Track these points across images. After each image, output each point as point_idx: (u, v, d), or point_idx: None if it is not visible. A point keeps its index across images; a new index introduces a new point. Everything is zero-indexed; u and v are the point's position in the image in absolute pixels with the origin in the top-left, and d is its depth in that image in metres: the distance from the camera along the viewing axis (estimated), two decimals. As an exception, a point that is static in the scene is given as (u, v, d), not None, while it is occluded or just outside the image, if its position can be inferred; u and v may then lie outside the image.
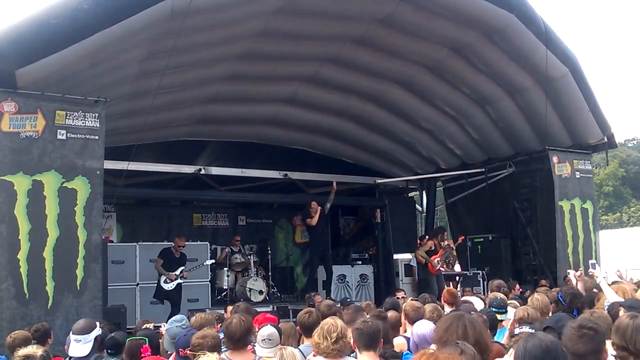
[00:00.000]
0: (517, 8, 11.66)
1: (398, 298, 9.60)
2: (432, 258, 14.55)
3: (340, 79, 13.57)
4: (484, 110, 14.19)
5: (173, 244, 13.29)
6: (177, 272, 12.84)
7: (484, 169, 15.75)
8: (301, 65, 13.17)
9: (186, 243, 13.58)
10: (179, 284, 12.90)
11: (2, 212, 8.62)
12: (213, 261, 14.13)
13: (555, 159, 13.96)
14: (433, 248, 14.90)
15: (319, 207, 14.48)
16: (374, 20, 11.73)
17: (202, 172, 14.43)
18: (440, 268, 14.52)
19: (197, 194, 15.68)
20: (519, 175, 15.25)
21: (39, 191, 8.88)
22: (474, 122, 14.61)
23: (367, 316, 5.35)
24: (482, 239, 15.53)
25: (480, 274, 14.83)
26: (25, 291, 8.58)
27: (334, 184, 14.96)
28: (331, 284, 14.71)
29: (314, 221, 14.45)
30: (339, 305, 8.70)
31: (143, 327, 7.16)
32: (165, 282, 12.82)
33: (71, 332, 5.31)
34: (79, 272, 9.00)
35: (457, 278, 15.52)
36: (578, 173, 14.31)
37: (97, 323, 5.58)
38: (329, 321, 5.02)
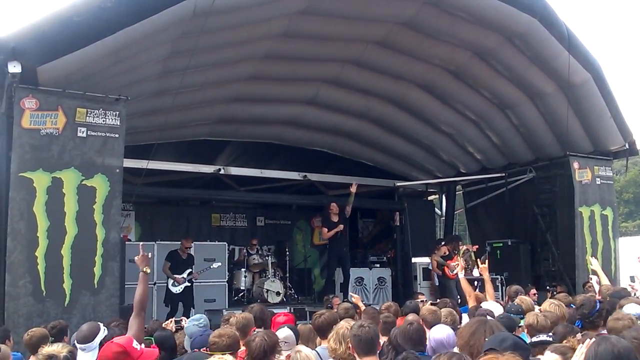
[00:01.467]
0: (540, 12, 11.58)
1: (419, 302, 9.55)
2: (448, 262, 14.48)
3: (361, 81, 13.54)
4: (505, 115, 14.10)
5: (180, 245, 13.26)
6: (185, 275, 12.87)
7: (504, 174, 15.64)
8: (323, 67, 13.15)
9: (204, 243, 13.59)
10: (187, 287, 12.93)
11: (21, 208, 8.64)
12: (220, 264, 13.89)
13: (576, 165, 13.86)
14: (447, 254, 14.84)
15: (338, 207, 14.42)
16: (397, 23, 11.70)
17: (222, 172, 14.43)
18: (459, 272, 14.43)
19: (216, 194, 15.68)
20: (539, 180, 15.14)
21: (58, 188, 8.90)
22: (495, 127, 14.52)
23: (364, 320, 5.22)
24: (501, 244, 15.43)
25: (499, 279, 14.73)
26: (43, 288, 8.59)
27: (354, 186, 14.80)
28: (348, 287, 14.67)
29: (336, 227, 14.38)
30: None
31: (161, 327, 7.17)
32: (173, 285, 12.85)
33: (75, 340, 5.25)
34: (97, 270, 9.00)
35: (476, 283, 15.42)
36: (599, 179, 14.20)
37: (100, 325, 5.50)
38: (344, 325, 4.97)
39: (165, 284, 12.96)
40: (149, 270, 5.57)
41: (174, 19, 9.29)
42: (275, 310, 8.95)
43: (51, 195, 8.82)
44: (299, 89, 13.88)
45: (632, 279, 8.62)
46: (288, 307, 13.09)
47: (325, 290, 14.63)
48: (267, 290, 14.07)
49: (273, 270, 14.86)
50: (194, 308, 12.79)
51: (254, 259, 15.06)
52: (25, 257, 8.56)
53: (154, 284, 13.21)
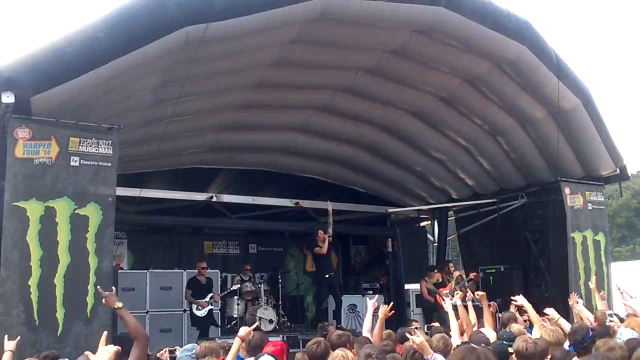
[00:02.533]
0: (529, 40, 11.69)
1: (412, 329, 9.51)
2: (440, 290, 14.48)
3: (353, 108, 13.62)
4: (495, 141, 14.18)
5: (197, 271, 13.73)
6: (207, 299, 13.31)
7: (496, 200, 15.70)
8: (314, 94, 13.22)
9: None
10: (210, 310, 13.44)
11: (14, 237, 8.61)
12: (239, 285, 14.43)
13: (567, 191, 13.91)
14: (440, 280, 14.84)
15: (325, 235, 14.51)
16: (387, 51, 11.80)
17: (214, 199, 14.47)
18: (457, 300, 14.41)
19: (209, 221, 15.68)
20: (531, 206, 15.17)
21: (51, 217, 8.88)
22: (486, 153, 14.60)
23: (373, 351, 5.22)
24: (494, 270, 15.41)
25: (492, 305, 14.70)
26: (36, 318, 8.55)
27: (330, 205, 14.96)
28: (341, 314, 14.65)
29: (324, 249, 14.49)
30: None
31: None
32: (197, 309, 13.31)
33: None
34: (90, 299, 8.97)
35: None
36: (590, 205, 14.23)
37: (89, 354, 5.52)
38: (339, 354, 4.95)
39: (190, 309, 13.54)
40: (120, 305, 5.54)
41: (165, 49, 9.34)
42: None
43: (44, 225, 8.80)
44: (291, 117, 13.94)
45: (610, 315, 8.61)
46: (281, 335, 13.06)
47: (317, 317, 14.61)
48: (260, 318, 14.01)
49: (266, 298, 14.82)
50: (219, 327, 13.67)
51: (247, 286, 15.04)
52: (18, 287, 8.51)
53: (147, 312, 13.18)
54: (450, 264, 16.18)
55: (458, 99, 13.12)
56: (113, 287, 5.87)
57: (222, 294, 14.10)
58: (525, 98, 12.79)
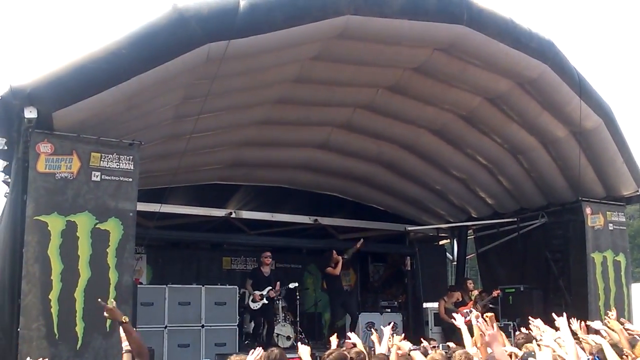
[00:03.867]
0: (552, 58, 11.67)
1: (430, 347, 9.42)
2: (461, 309, 14.38)
3: (373, 126, 13.63)
4: (516, 160, 14.13)
5: (261, 263, 13.79)
6: (264, 292, 13.26)
7: (516, 219, 15.61)
8: (334, 111, 13.25)
9: (215, 286, 13.60)
10: (265, 304, 13.33)
11: (36, 252, 8.66)
12: (297, 284, 14.46)
13: (588, 211, 13.82)
14: (460, 299, 14.74)
15: (339, 257, 14.55)
16: (408, 69, 11.82)
17: (233, 215, 14.50)
18: (472, 319, 14.29)
19: (227, 237, 15.66)
20: (551, 225, 15.09)
21: (72, 232, 8.93)
22: (506, 172, 14.54)
23: None
24: (513, 290, 15.29)
25: (511, 325, 14.60)
26: (56, 331, 8.58)
27: (361, 243, 15.14)
28: (359, 331, 14.56)
29: (337, 271, 14.54)
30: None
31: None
32: (252, 301, 13.28)
33: None
34: (110, 313, 8.99)
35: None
36: (611, 225, 14.14)
37: None
38: None
39: (245, 299, 13.58)
40: (127, 319, 5.46)
41: (187, 66, 9.41)
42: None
43: (65, 239, 8.85)
44: (311, 134, 13.98)
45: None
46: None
47: (330, 333, 14.54)
48: (278, 335, 13.97)
49: (283, 314, 14.76)
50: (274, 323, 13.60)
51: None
52: (39, 300, 8.55)
53: (165, 327, 13.15)
54: (469, 281, 16.06)
55: (479, 117, 13.10)
56: (113, 300, 5.73)
57: (282, 289, 13.94)
58: (546, 117, 12.75)
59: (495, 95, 12.44)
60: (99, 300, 5.70)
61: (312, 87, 12.15)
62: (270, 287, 13.46)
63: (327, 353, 6.19)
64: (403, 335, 8.12)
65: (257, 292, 13.34)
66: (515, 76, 11.89)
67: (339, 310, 14.89)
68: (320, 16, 9.81)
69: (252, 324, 13.59)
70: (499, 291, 15.16)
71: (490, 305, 14.72)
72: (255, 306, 13.41)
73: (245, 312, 13.88)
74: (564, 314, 7.35)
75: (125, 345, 5.27)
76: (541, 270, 15.26)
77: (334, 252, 14.73)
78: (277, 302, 14.90)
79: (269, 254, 13.89)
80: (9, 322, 8.71)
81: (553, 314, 6.30)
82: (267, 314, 13.52)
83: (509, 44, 11.16)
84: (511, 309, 15.05)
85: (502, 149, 13.92)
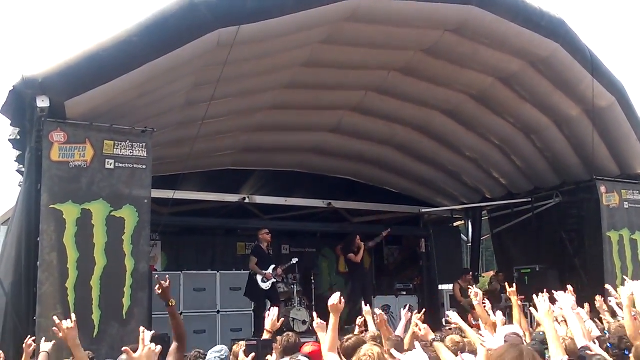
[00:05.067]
0: (563, 37, 11.59)
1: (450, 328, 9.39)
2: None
3: (384, 108, 13.59)
4: (529, 140, 14.07)
5: (260, 240, 13.47)
6: (271, 271, 13.05)
7: (530, 199, 15.58)
8: (346, 94, 13.23)
9: (229, 272, 13.63)
10: (273, 283, 13.12)
11: (52, 240, 8.71)
12: (297, 259, 14.35)
13: (603, 189, 13.74)
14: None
15: (362, 243, 14.53)
16: (419, 50, 11.76)
17: (246, 201, 14.52)
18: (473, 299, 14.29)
19: (241, 222, 15.69)
20: (566, 205, 15.03)
21: (87, 220, 8.97)
22: (520, 152, 14.48)
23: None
24: (529, 270, 15.25)
25: (528, 306, 14.57)
26: (72, 319, 8.62)
27: (388, 232, 15.47)
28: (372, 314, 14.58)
29: (359, 258, 14.54)
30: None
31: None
32: (262, 281, 12.99)
33: None
34: (126, 300, 9.03)
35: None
36: (627, 203, 14.04)
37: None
38: (367, 353, 4.89)
39: (252, 280, 13.14)
40: (174, 302, 5.58)
41: (198, 51, 9.40)
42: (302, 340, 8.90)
43: (80, 227, 8.89)
44: (323, 117, 13.96)
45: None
46: (314, 336, 13.02)
47: (350, 318, 14.55)
48: (293, 319, 14.02)
49: (299, 299, 14.82)
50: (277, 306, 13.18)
51: (280, 287, 15.03)
52: (56, 289, 8.60)
53: (181, 313, 13.22)
54: (469, 275, 15.79)
55: (491, 97, 13.03)
56: (168, 277, 5.84)
57: (285, 266, 13.75)
58: (559, 96, 12.68)
59: (507, 75, 12.37)
60: (157, 277, 5.81)
61: (323, 71, 12.11)
62: (275, 265, 13.26)
63: (345, 338, 6.20)
64: (423, 312, 8.09)
65: (268, 272, 13.01)
66: (527, 55, 11.82)
67: (359, 292, 14.84)
68: (330, -1, 9.77)
69: (253, 304, 13.32)
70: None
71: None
72: (266, 286, 13.08)
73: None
74: (568, 288, 7.28)
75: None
76: (556, 250, 15.23)
77: (358, 237, 14.70)
78: (292, 286, 14.95)
79: (267, 230, 13.64)
80: (25, 310, 8.78)
81: (553, 292, 6.15)
82: (274, 294, 13.21)
83: (519, 24, 11.09)
84: (527, 289, 15.00)
85: (515, 129, 13.85)
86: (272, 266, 13.12)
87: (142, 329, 4.40)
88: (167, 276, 5.96)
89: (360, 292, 14.72)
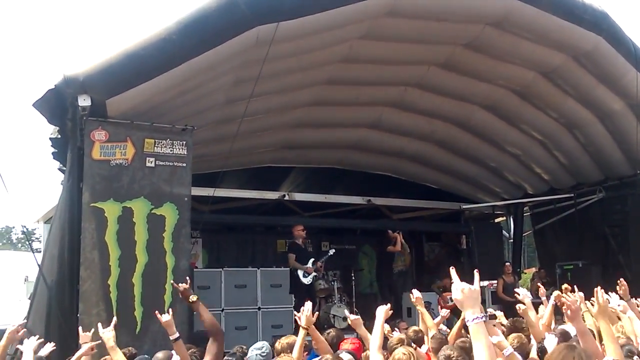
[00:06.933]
0: (606, 30, 11.38)
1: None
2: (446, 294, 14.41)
3: (424, 104, 13.51)
4: (572, 134, 13.88)
5: (296, 237, 13.71)
6: (310, 264, 13.24)
7: (572, 194, 15.39)
8: (385, 90, 13.16)
9: (269, 268, 13.67)
10: (314, 277, 13.35)
11: (93, 238, 8.79)
12: (334, 250, 14.56)
13: (647, 184, 13.55)
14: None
15: (395, 234, 14.65)
16: (459, 45, 11.66)
17: (286, 198, 14.56)
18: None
19: (281, 220, 15.75)
20: (609, 200, 14.83)
21: (128, 218, 9.04)
22: (562, 147, 14.30)
23: (452, 352, 5.16)
24: (571, 266, 15.08)
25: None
26: (115, 316, 8.70)
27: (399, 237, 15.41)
28: (402, 313, 14.50)
29: (398, 247, 14.60)
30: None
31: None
32: (304, 276, 13.18)
33: None
34: (167, 297, 9.08)
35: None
36: (672, 198, 13.84)
37: (174, 353, 5.63)
38: (401, 357, 4.90)
39: (294, 275, 13.24)
40: (195, 298, 5.62)
41: (237, 49, 9.40)
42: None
43: (122, 225, 8.96)
44: (362, 113, 13.91)
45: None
46: (355, 333, 12.99)
47: (391, 315, 14.51)
48: (334, 316, 13.99)
49: (339, 296, 14.78)
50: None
51: (320, 284, 15.03)
52: (98, 286, 8.69)
53: (222, 310, 13.28)
54: (508, 267, 15.71)
55: (533, 92, 12.88)
56: (187, 279, 5.93)
57: (323, 259, 13.92)
58: (602, 90, 12.48)
59: (550, 70, 12.21)
60: (172, 282, 5.90)
61: (362, 67, 12.06)
62: (314, 259, 13.38)
63: (390, 340, 6.23)
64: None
65: (309, 267, 13.17)
66: (569, 49, 11.65)
67: (386, 292, 14.91)
68: (369, -6, 9.72)
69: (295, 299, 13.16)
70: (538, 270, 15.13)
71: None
72: (308, 281, 13.23)
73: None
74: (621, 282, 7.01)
75: None
76: (599, 246, 15.03)
77: (389, 231, 14.71)
78: (333, 283, 14.94)
79: (301, 226, 13.82)
80: (69, 308, 8.85)
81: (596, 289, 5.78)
82: (313, 290, 13.34)
83: (561, 17, 10.92)
84: (570, 285, 14.82)
85: (558, 124, 13.68)
86: (312, 259, 13.18)
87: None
88: (187, 277, 6.04)
89: (385, 288, 14.82)
